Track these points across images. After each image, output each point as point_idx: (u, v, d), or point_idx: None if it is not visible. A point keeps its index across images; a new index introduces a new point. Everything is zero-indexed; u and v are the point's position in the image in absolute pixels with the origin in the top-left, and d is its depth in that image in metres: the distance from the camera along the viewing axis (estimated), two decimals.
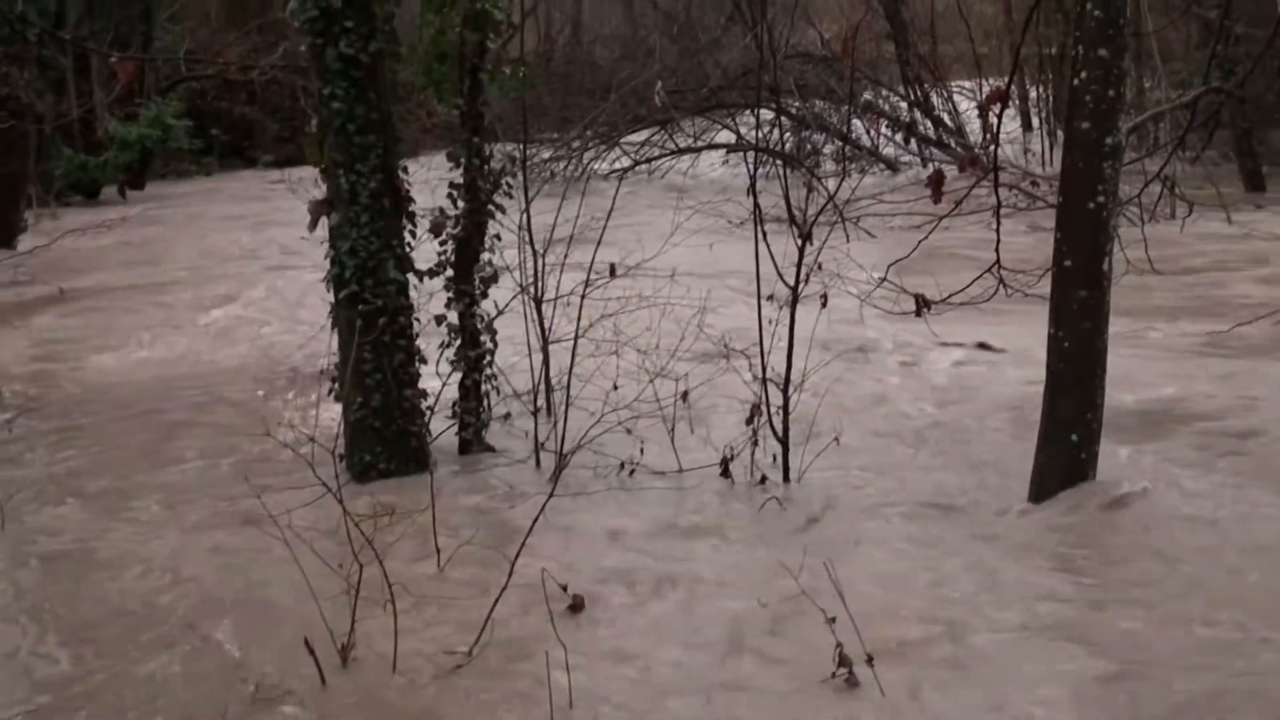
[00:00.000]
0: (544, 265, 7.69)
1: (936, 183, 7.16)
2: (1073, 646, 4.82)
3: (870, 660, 4.53)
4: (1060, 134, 11.97)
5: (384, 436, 7.16)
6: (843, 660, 4.57)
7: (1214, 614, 5.04)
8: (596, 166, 21.11)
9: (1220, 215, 15.85)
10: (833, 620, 4.65)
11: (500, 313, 7.56)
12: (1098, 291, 6.43)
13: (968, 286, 7.29)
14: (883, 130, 23.39)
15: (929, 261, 9.07)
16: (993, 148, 7.86)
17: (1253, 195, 19.35)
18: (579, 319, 7.43)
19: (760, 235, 7.06)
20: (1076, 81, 6.49)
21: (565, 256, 7.65)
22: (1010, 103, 29.01)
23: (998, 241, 7.19)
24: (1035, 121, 26.84)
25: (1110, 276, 6.53)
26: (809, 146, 21.08)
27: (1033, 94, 27.66)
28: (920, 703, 4.47)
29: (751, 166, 7.41)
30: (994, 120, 7.47)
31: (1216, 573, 5.45)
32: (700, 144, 22.59)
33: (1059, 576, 5.52)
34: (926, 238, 7.68)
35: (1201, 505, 6.24)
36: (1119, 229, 10.67)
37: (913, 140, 23.09)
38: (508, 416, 7.69)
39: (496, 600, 5.02)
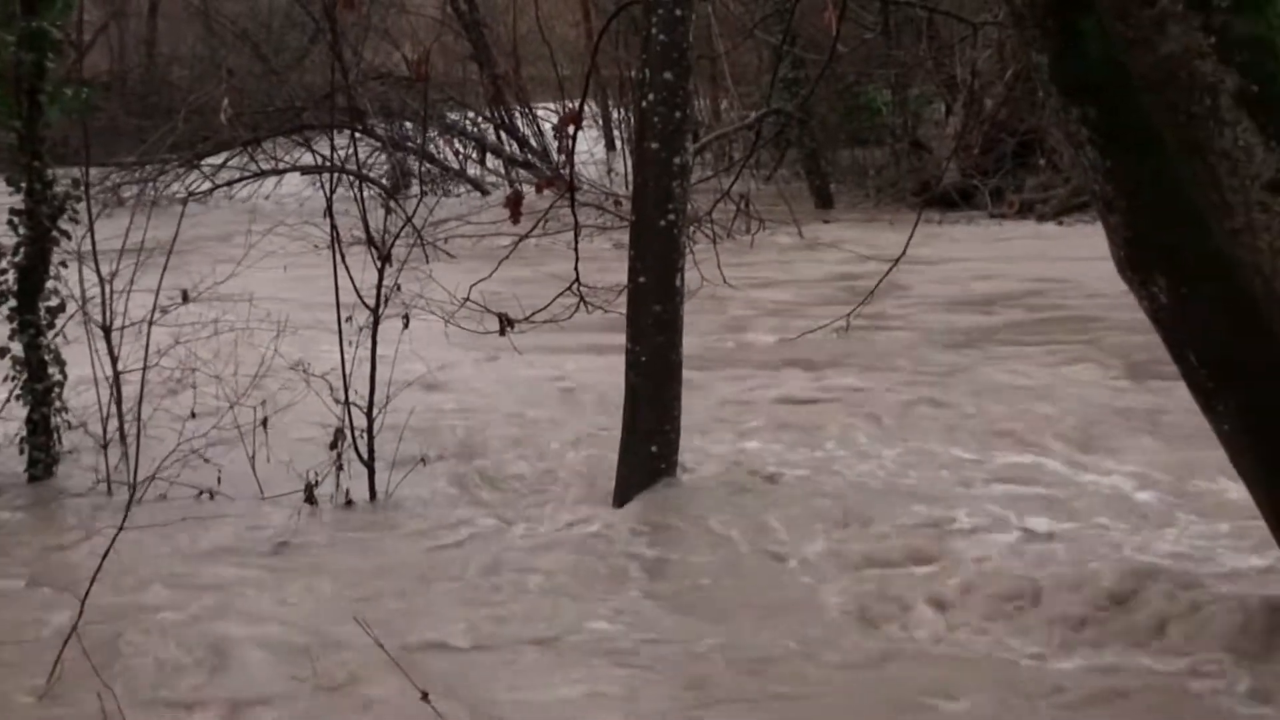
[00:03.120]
0: (112, 292, 7.38)
1: (514, 203, 7.24)
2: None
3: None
4: None
5: None
6: None
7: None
8: (174, 189, 20.40)
9: (793, 230, 16.63)
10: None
11: (60, 336, 7.21)
12: (671, 306, 6.63)
13: (549, 305, 7.38)
14: (467, 152, 23.53)
15: (519, 283, 9.21)
16: (568, 168, 8.00)
17: (822, 211, 20.39)
18: (147, 346, 7.17)
19: (339, 258, 6.98)
20: (645, 104, 6.69)
21: (131, 283, 7.36)
22: (594, 124, 29.52)
23: (576, 260, 7.31)
24: (618, 143, 27.53)
25: (683, 291, 6.75)
26: (397, 169, 20.98)
27: (615, 115, 28.38)
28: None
29: (328, 189, 7.31)
30: (569, 141, 7.61)
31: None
32: (283, 166, 22.16)
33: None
34: (507, 257, 7.76)
35: None
36: (696, 245, 11.10)
37: (500, 161, 23.34)
38: (71, 451, 7.35)
39: (66, 640, 4.78)
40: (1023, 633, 5.08)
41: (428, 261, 9.15)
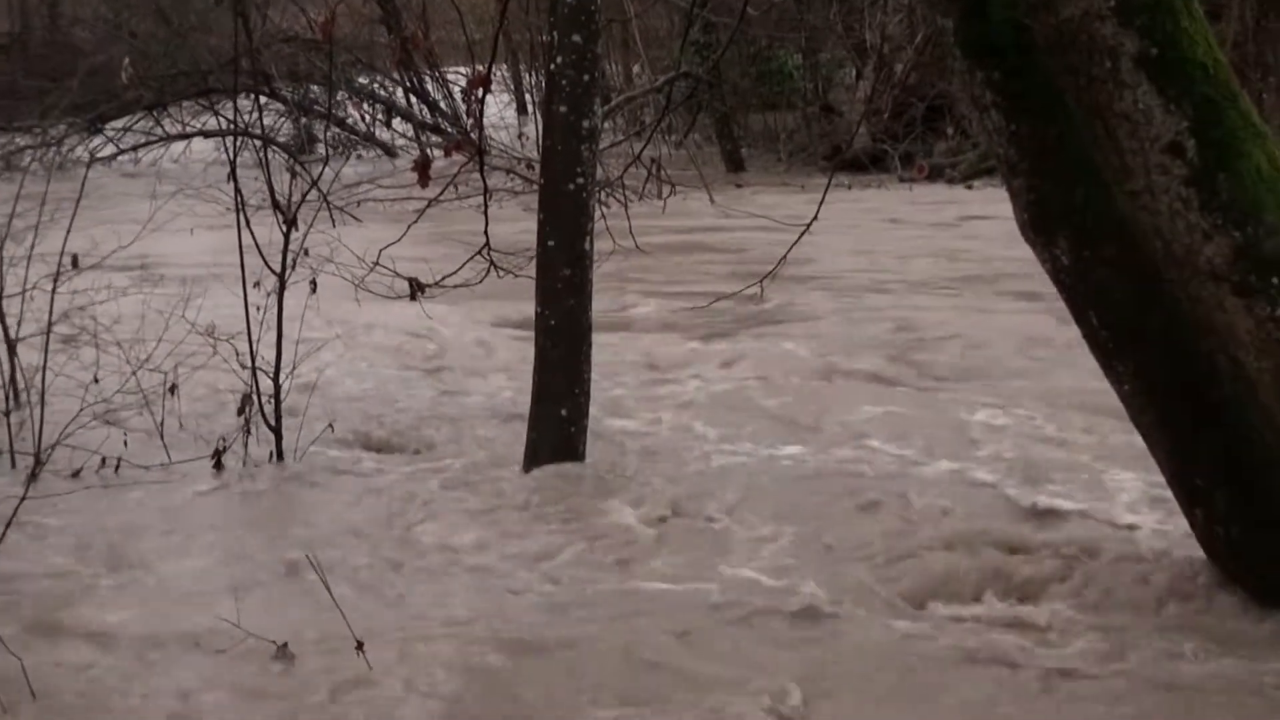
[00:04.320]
0: (4, 258, 7.24)
1: (422, 167, 7.16)
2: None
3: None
4: None
5: None
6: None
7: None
8: (78, 153, 20.05)
9: (704, 195, 16.65)
10: None
11: None
12: (580, 270, 6.62)
13: (459, 269, 7.33)
14: (376, 115, 23.34)
15: (433, 246, 9.17)
16: (478, 132, 7.92)
17: (734, 175, 20.44)
18: (50, 312, 7.05)
19: (244, 222, 6.90)
20: (553, 66, 6.65)
21: (33, 248, 7.23)
22: (507, 88, 29.28)
23: (485, 224, 7.26)
24: (530, 107, 27.40)
25: (592, 255, 6.73)
26: (303, 133, 20.76)
27: (527, 80, 28.24)
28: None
29: (232, 152, 7.22)
30: (477, 104, 7.54)
31: None
32: (190, 130, 21.83)
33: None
34: (416, 221, 7.69)
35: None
36: (607, 209, 11.09)
37: (410, 125, 23.16)
38: None
39: None
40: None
41: (334, 225, 9.07)
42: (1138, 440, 4.98)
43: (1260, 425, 4.38)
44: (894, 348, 9.15)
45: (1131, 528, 5.62)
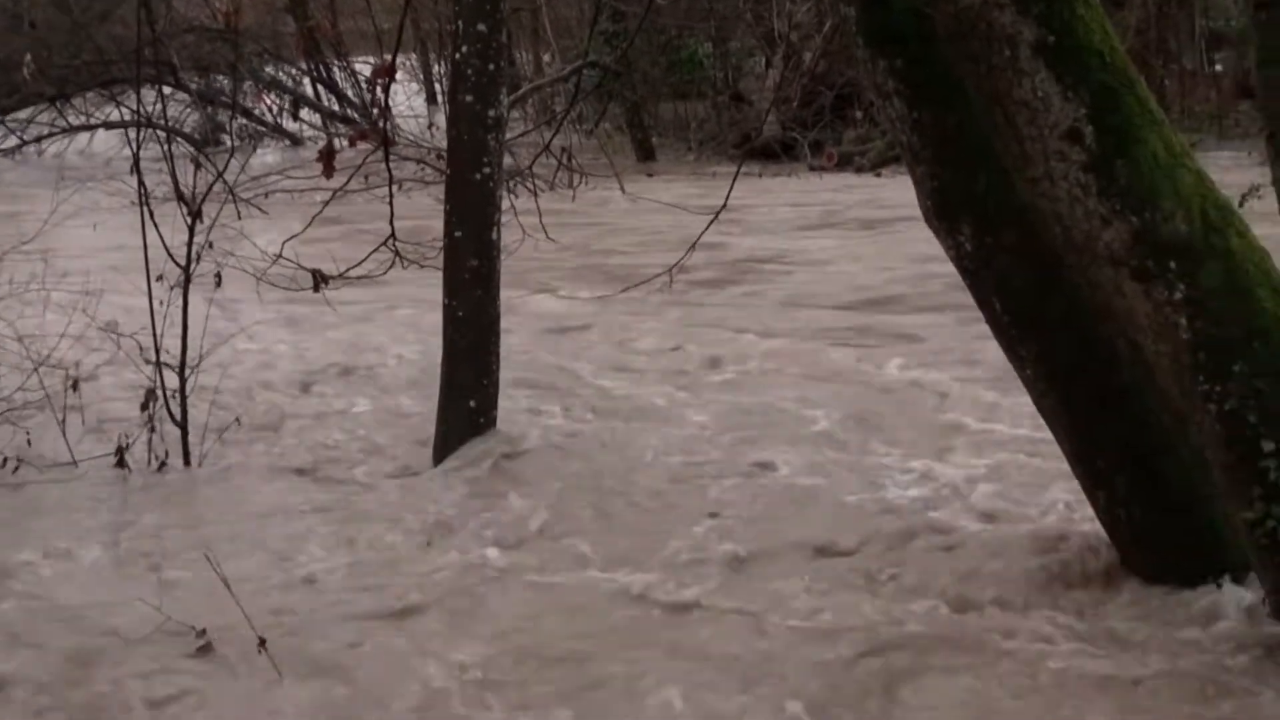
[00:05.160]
0: None
1: (327, 157, 7.09)
2: None
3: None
4: None
5: None
6: None
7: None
8: None
9: (615, 184, 16.63)
10: None
11: None
12: (488, 261, 6.59)
13: (364, 260, 7.27)
14: (284, 106, 23.11)
15: (338, 239, 9.10)
16: (383, 121, 7.86)
17: (644, 165, 20.45)
18: None
19: (147, 214, 6.80)
20: (458, 56, 6.62)
21: None
22: (415, 78, 29.08)
23: (391, 215, 7.21)
24: (440, 96, 27.24)
25: (500, 246, 6.70)
26: (207, 124, 20.50)
27: (437, 70, 28.07)
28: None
29: (135, 144, 7.10)
30: (382, 94, 7.48)
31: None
32: (93, 121, 21.53)
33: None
34: (320, 213, 7.62)
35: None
36: (516, 199, 11.03)
37: (317, 115, 22.96)
38: None
39: None
40: None
41: (240, 218, 8.97)
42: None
43: (1159, 408, 4.44)
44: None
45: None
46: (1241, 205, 10.35)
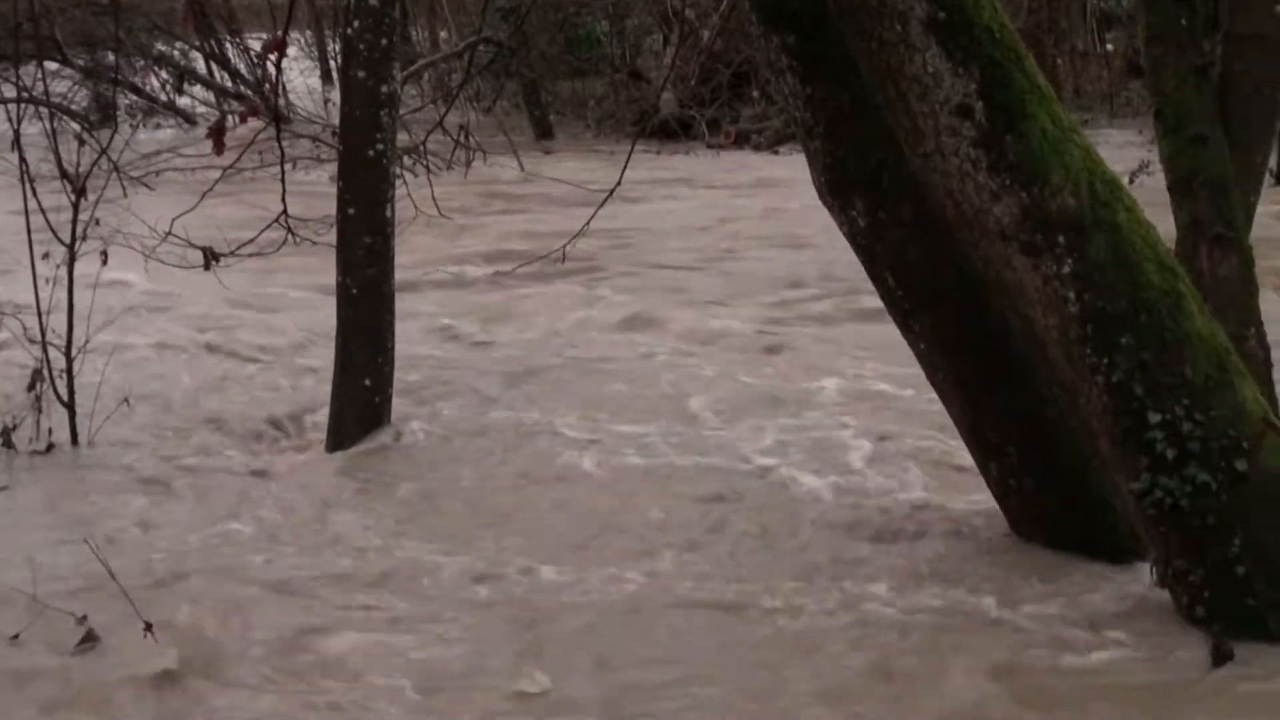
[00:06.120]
0: None
1: (217, 133, 6.98)
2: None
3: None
4: None
5: None
6: None
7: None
8: None
9: (513, 162, 16.53)
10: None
11: None
12: (382, 238, 6.53)
13: (255, 237, 7.17)
14: (175, 82, 22.72)
15: (231, 217, 8.98)
16: (275, 97, 7.78)
17: (542, 142, 20.35)
18: None
19: (30, 192, 6.66)
20: (350, 30, 6.55)
21: None
22: (311, 55, 28.65)
23: (283, 191, 7.11)
24: (334, 73, 26.93)
25: (394, 223, 6.64)
26: (94, 101, 20.10)
27: (332, 47, 27.73)
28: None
29: (16, 120, 6.96)
30: (274, 69, 7.40)
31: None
32: None
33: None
34: (210, 190, 7.51)
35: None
36: (413, 176, 10.96)
37: (210, 92, 22.61)
38: None
39: None
40: None
41: (125, 195, 8.80)
42: None
43: (1049, 381, 4.49)
44: None
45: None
46: (1132, 182, 10.61)
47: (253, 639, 4.45)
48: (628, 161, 7.11)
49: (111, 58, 20.83)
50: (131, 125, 17.30)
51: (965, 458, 5.28)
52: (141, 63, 21.90)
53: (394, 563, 5.11)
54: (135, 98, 21.58)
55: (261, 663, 4.30)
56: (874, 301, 5.27)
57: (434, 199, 8.76)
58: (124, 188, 8.75)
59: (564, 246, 7.33)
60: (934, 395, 5.12)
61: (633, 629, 4.51)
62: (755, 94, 20.27)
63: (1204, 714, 3.87)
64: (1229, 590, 4.08)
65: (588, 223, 7.18)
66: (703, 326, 8.76)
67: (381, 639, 4.46)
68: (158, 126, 20.93)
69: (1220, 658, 4.03)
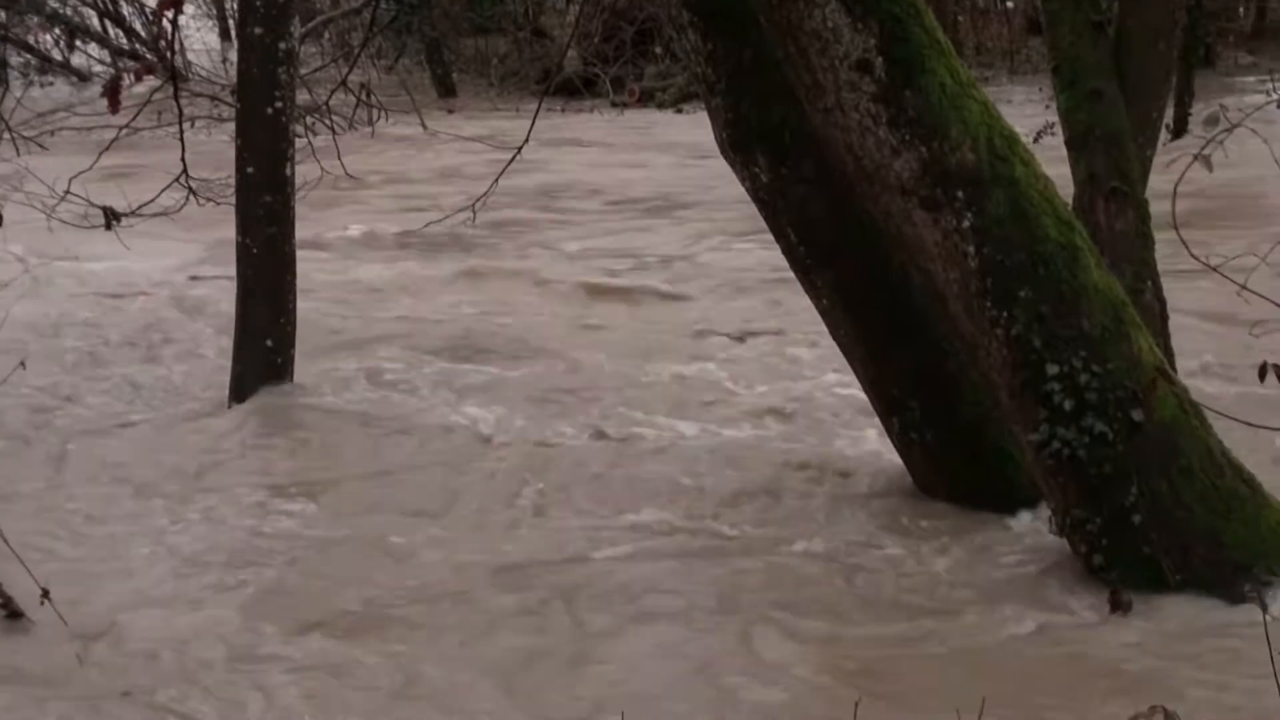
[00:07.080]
0: None
1: (111, 91, 6.87)
2: None
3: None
4: None
5: None
6: None
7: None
8: None
9: (415, 121, 16.40)
10: None
11: None
12: (282, 197, 6.46)
13: (156, 197, 7.07)
14: (68, 39, 22.26)
15: (130, 176, 8.84)
16: (171, 55, 7.65)
17: (445, 101, 20.21)
18: None
19: None
20: None
21: None
22: (208, 13, 28.11)
23: (182, 150, 7.01)
24: (233, 32, 26.51)
25: (294, 182, 6.57)
26: None
27: (231, 4, 27.28)
28: None
29: None
30: (170, 26, 7.27)
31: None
32: None
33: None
34: (107, 149, 7.38)
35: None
36: (315, 135, 10.83)
37: (106, 51, 22.20)
38: None
39: None
40: None
41: (19, 155, 8.64)
42: None
43: (950, 334, 4.53)
44: None
45: None
46: (1037, 140, 10.69)
47: None
48: (534, 120, 7.08)
49: (1, 14, 20.41)
50: (25, 83, 16.96)
51: None
52: (35, 19, 21.42)
53: None
54: (27, 55, 21.13)
55: None
56: None
57: (339, 157, 8.66)
58: (16, 146, 8.58)
59: (473, 204, 7.28)
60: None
61: None
62: (659, 51, 20.24)
63: (1100, 661, 3.93)
64: (1125, 539, 4.15)
65: (495, 181, 7.14)
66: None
67: None
68: (51, 84, 20.51)
69: (1117, 605, 4.10)
